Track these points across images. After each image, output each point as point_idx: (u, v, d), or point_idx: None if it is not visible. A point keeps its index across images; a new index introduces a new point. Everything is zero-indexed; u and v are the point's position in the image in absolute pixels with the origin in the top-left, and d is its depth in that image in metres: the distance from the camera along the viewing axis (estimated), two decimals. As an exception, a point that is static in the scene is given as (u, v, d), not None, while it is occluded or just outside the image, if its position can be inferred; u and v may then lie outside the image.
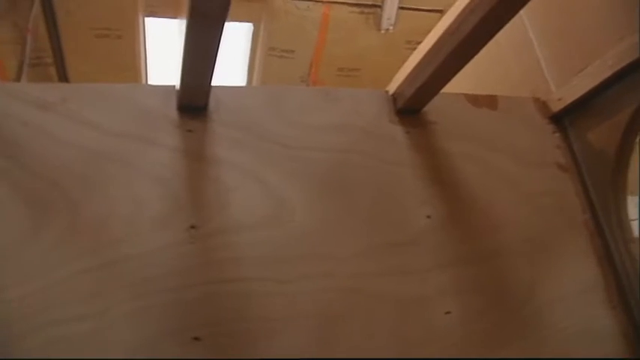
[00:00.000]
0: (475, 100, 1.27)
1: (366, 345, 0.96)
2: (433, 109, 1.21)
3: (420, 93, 1.13)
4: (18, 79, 2.80)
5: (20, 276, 0.88)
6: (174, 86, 1.06)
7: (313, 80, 3.38)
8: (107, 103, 1.03)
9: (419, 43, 1.10)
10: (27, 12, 2.90)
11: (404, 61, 1.15)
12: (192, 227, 0.95)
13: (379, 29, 3.28)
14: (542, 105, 1.30)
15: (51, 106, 1.01)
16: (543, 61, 1.30)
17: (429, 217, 1.09)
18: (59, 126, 0.99)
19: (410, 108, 1.18)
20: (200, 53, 0.89)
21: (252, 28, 3.23)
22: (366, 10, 3.25)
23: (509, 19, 0.94)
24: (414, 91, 1.13)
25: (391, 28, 3.26)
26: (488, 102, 1.28)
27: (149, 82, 3.36)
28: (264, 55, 3.28)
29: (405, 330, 0.99)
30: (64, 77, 3.15)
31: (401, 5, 3.22)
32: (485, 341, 1.04)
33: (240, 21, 3.24)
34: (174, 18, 3.12)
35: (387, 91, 1.22)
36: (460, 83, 1.13)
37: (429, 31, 1.05)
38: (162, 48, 3.28)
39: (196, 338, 0.89)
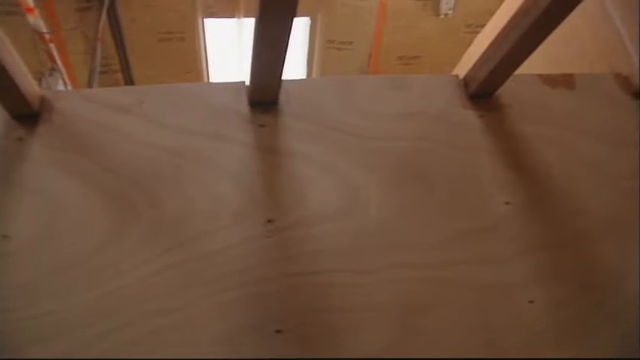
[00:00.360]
0: (551, 81, 1.22)
1: (450, 335, 0.93)
2: (506, 91, 1.16)
3: (493, 76, 1.09)
4: (89, 86, 2.92)
5: (107, 274, 0.91)
6: (243, 82, 1.08)
7: (373, 70, 3.35)
8: (181, 102, 1.05)
9: (480, 26, 1.06)
10: (95, 23, 3.01)
11: (465, 45, 1.12)
12: (269, 221, 0.96)
13: (438, 14, 3.21)
14: (624, 80, 1.23)
15: (128, 109, 1.04)
16: (625, 35, 1.22)
17: (508, 203, 1.05)
18: (136, 127, 1.03)
19: (482, 92, 1.14)
20: (271, 48, 0.89)
21: (309, 21, 3.23)
22: (424, -5, 3.19)
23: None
24: (486, 74, 1.09)
25: (450, 12, 3.18)
26: (565, 81, 1.22)
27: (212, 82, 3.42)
28: (323, 48, 3.28)
29: (489, 319, 0.96)
30: (130, 82, 3.26)
31: (460, -11, 3.14)
32: (570, 331, 1.00)
33: (298, 15, 3.25)
34: (232, 17, 3.17)
35: (456, 76, 1.19)
36: (532, 64, 1.09)
37: (489, 13, 1.02)
38: (222, 48, 3.34)
39: (278, 331, 0.90)
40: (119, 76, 3.22)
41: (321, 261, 0.95)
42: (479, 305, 0.97)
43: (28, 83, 1.00)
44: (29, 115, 1.03)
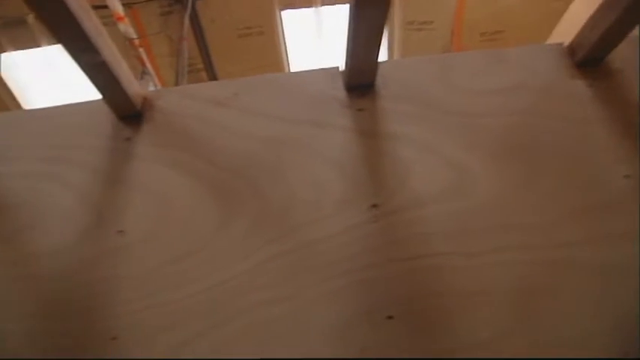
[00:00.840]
0: (667, 40, 1.12)
1: (571, 319, 0.88)
2: (617, 56, 1.08)
3: (604, 40, 1.01)
4: (177, 86, 3.03)
5: (214, 265, 0.93)
6: (337, 68, 1.07)
7: (456, 49, 3.25)
8: (276, 92, 1.05)
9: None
10: (177, 26, 3.11)
11: (550, 15, 1.04)
12: (374, 206, 0.94)
13: (521, -16, 3.06)
14: None
15: (225, 102, 1.06)
16: None
17: (627, 176, 0.98)
18: (235, 119, 1.04)
19: (591, 58, 1.06)
20: (369, 30, 0.87)
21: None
22: (506, -33, 3.05)
23: None
24: (596, 39, 1.01)
25: (535, -19, 3.02)
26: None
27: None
28: (403, 30, 3.22)
29: (613, 300, 0.89)
30: (214, 80, 3.35)
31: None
32: None
33: None
34: (310, 7, 3.17)
35: (560, 44, 1.11)
36: None
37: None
38: (301, 39, 3.35)
39: (390, 317, 0.88)
40: (203, 74, 3.31)
41: (429, 244, 0.92)
42: (600, 287, 0.91)
43: (132, 85, 1.03)
44: (134, 115, 1.07)
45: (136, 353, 0.88)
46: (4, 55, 3.76)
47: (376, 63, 0.98)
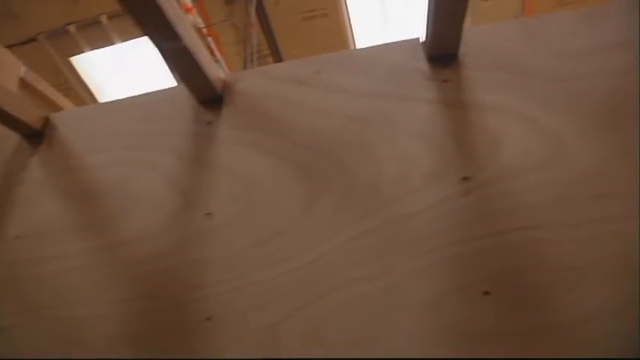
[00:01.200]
0: None
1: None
2: None
3: None
4: (245, 73, 3.06)
5: (303, 244, 0.93)
6: (418, 39, 1.03)
7: (528, 14, 3.10)
8: (357, 67, 1.03)
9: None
10: (242, 14, 3.14)
11: None
12: (465, 179, 0.91)
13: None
14: None
15: (306, 80, 1.04)
16: None
17: None
18: (317, 97, 1.03)
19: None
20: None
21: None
22: None
23: None
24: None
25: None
26: None
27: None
28: (472, 0, 3.10)
29: None
30: (280, 64, 3.36)
31: None
32: None
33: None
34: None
35: (660, -3, 1.02)
36: None
37: None
38: (365, 18, 3.30)
39: (486, 293, 0.85)
40: (270, 60, 3.34)
41: (525, 216, 0.88)
42: None
43: (212, 69, 1.04)
44: (214, 99, 1.08)
45: (230, 333, 0.89)
46: (81, 55, 3.94)
47: (460, 31, 0.94)
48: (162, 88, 1.16)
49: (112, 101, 1.19)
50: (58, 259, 1.04)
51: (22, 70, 1.73)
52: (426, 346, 0.83)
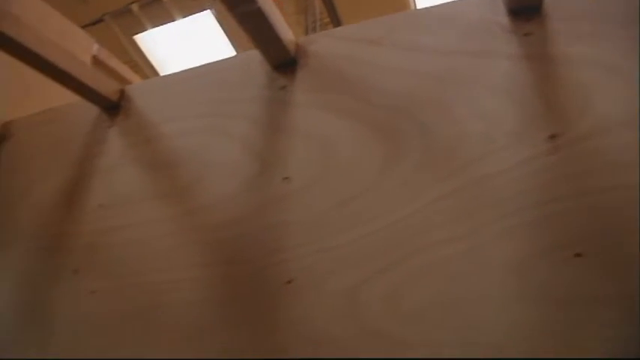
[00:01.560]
0: None
1: None
2: None
3: None
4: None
5: (383, 207, 0.91)
6: (498, -8, 0.98)
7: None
8: (433, 24, 1.00)
9: None
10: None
11: None
12: (552, 137, 0.86)
13: None
14: None
15: (380, 40, 1.02)
16: None
17: None
18: (392, 57, 1.00)
19: None
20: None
21: None
22: None
23: None
24: None
25: None
26: None
27: None
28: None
29: None
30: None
31: None
32: None
33: None
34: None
35: None
36: None
37: None
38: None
39: (578, 254, 0.81)
40: (331, 27, 3.30)
41: (620, 175, 0.82)
42: None
43: (286, 32, 1.03)
44: (287, 63, 1.07)
45: (310, 296, 0.90)
46: (144, 33, 4.02)
47: (545, -20, 0.88)
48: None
49: (184, 70, 1.20)
50: (139, 226, 1.08)
51: (95, 47, 1.78)
52: (511, 312, 0.80)
